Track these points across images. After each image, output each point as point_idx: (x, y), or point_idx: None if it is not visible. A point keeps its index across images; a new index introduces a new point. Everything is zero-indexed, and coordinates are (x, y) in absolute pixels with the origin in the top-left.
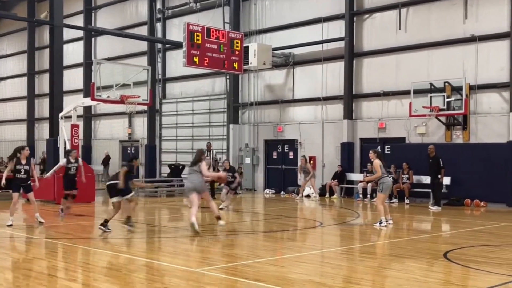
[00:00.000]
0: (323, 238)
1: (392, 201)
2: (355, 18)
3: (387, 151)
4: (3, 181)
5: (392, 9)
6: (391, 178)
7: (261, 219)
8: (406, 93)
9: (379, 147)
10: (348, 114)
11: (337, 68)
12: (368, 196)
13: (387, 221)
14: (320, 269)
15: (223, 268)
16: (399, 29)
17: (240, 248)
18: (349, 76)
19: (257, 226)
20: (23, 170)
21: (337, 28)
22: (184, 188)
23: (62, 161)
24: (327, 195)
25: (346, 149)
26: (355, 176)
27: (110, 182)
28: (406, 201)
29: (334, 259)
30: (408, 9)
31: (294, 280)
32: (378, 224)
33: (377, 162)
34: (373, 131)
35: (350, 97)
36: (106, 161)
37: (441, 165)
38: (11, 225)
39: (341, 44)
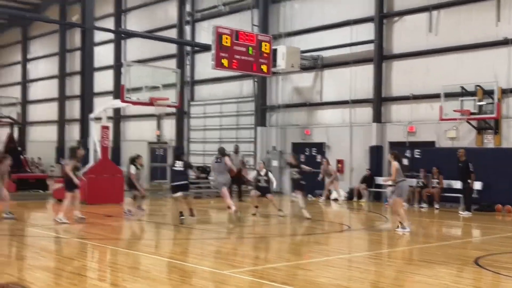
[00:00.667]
0: (351, 242)
1: (421, 205)
2: (384, 21)
3: (417, 155)
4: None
5: (423, 12)
6: (419, 181)
7: (288, 222)
8: (436, 96)
9: (407, 151)
10: (377, 117)
11: (366, 71)
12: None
13: (408, 226)
14: (348, 273)
15: (251, 271)
16: (430, 31)
17: (268, 251)
18: (378, 79)
19: (284, 229)
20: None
21: (366, 31)
22: (215, 184)
23: (132, 168)
24: (355, 199)
25: (375, 152)
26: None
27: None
28: (436, 206)
29: (362, 264)
30: (439, 11)
31: (322, 284)
32: (401, 229)
33: (395, 164)
34: (402, 135)
35: (379, 100)
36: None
37: (471, 170)
38: (64, 223)
39: (370, 46)
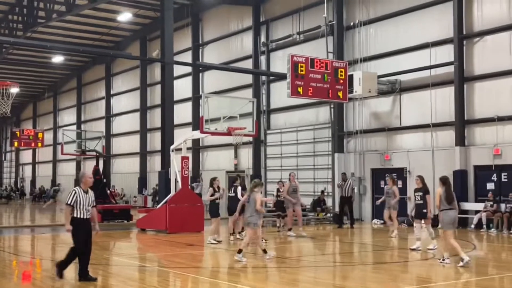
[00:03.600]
0: (437, 270)
1: (511, 232)
2: (464, 42)
3: (504, 178)
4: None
5: (505, 31)
6: (508, 206)
7: (369, 250)
8: None
9: (494, 175)
10: (460, 140)
11: (447, 93)
12: (484, 226)
13: (447, 258)
14: None
15: None
16: None
17: (350, 280)
18: (460, 101)
19: (365, 257)
20: (218, 195)
21: (446, 53)
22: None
23: (209, 190)
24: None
25: (459, 177)
26: (470, 205)
27: None
28: None
29: None
30: None
31: None
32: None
33: (439, 191)
34: (488, 158)
35: (462, 123)
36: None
37: None
38: (220, 241)
39: (450, 68)
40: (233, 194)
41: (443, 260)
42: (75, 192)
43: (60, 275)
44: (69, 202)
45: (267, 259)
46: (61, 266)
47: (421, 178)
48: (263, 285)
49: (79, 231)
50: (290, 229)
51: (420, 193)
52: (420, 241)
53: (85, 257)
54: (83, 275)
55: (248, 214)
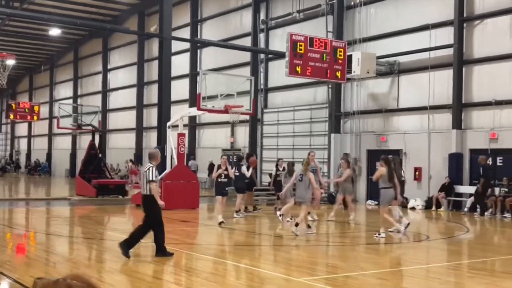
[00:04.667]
0: (430, 252)
1: (504, 215)
2: (465, 24)
3: (499, 163)
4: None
5: (506, 14)
6: (502, 190)
7: (363, 231)
8: None
9: (489, 159)
10: (457, 123)
11: (445, 76)
12: (479, 210)
13: (382, 233)
14: (426, 284)
15: (325, 279)
16: None
17: (343, 259)
18: (458, 84)
19: (359, 238)
20: (223, 175)
21: (445, 35)
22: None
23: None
24: (433, 208)
25: (455, 160)
26: (464, 188)
27: None
28: None
29: (442, 274)
30: None
31: None
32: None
33: (381, 170)
34: (484, 142)
35: (459, 106)
36: (210, 168)
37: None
38: (222, 222)
39: (450, 51)
40: (238, 173)
41: (379, 234)
42: (154, 168)
43: (127, 253)
44: (153, 178)
45: (310, 233)
46: (130, 244)
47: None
48: (257, 262)
49: (157, 205)
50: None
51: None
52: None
53: (162, 231)
54: (162, 250)
55: (301, 192)
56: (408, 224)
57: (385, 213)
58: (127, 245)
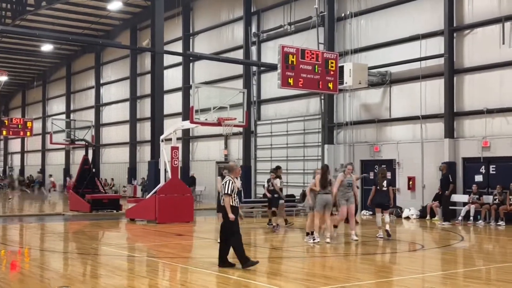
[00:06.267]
0: (425, 261)
1: (498, 223)
2: (455, 34)
3: (492, 171)
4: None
5: (495, 24)
6: (495, 198)
7: (359, 241)
8: (511, 110)
9: (482, 167)
10: (449, 132)
11: (437, 85)
12: (471, 218)
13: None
14: None
15: None
16: (503, 43)
17: (338, 270)
18: (450, 94)
19: (355, 248)
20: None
21: (436, 45)
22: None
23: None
24: (428, 217)
25: (448, 169)
26: (458, 197)
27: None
28: None
29: (437, 284)
30: None
31: None
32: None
33: (317, 178)
34: (476, 150)
35: (451, 115)
36: (192, 181)
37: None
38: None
39: (441, 61)
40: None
41: (314, 240)
42: (232, 182)
43: (228, 264)
44: (228, 192)
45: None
46: (224, 260)
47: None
48: (252, 275)
49: (236, 219)
50: (335, 226)
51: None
52: (381, 229)
53: (239, 242)
54: (225, 261)
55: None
56: (356, 240)
57: (316, 218)
58: (223, 261)
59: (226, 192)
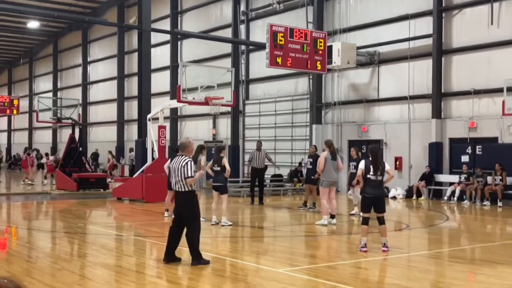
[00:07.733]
0: (410, 241)
1: (484, 203)
2: (443, 14)
3: (478, 151)
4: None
5: (484, 4)
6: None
7: (345, 221)
8: (498, 90)
9: (469, 148)
10: (437, 113)
11: (425, 66)
12: (455, 198)
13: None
14: (406, 273)
15: (306, 269)
16: (491, 24)
17: (324, 249)
18: (438, 74)
19: (341, 228)
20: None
21: (425, 25)
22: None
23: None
24: (414, 197)
25: (435, 149)
26: (444, 177)
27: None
28: (499, 203)
29: (422, 263)
30: (501, 3)
31: (379, 283)
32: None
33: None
34: (463, 131)
35: (439, 96)
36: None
37: None
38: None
39: (429, 41)
40: (218, 168)
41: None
42: (192, 162)
43: (203, 261)
44: (191, 174)
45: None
46: (171, 254)
47: (356, 150)
48: (238, 254)
49: (198, 204)
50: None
51: (355, 163)
52: (357, 206)
53: (199, 232)
54: (198, 256)
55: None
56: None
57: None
58: (170, 255)
59: (190, 175)
